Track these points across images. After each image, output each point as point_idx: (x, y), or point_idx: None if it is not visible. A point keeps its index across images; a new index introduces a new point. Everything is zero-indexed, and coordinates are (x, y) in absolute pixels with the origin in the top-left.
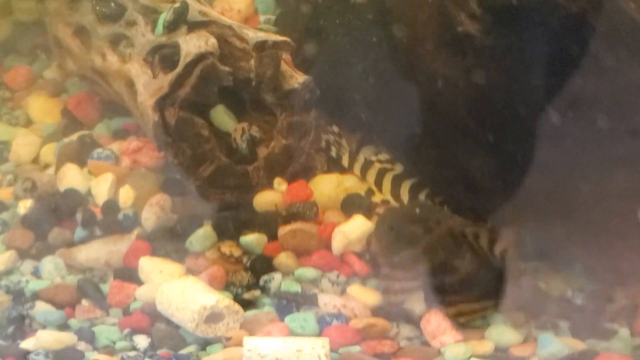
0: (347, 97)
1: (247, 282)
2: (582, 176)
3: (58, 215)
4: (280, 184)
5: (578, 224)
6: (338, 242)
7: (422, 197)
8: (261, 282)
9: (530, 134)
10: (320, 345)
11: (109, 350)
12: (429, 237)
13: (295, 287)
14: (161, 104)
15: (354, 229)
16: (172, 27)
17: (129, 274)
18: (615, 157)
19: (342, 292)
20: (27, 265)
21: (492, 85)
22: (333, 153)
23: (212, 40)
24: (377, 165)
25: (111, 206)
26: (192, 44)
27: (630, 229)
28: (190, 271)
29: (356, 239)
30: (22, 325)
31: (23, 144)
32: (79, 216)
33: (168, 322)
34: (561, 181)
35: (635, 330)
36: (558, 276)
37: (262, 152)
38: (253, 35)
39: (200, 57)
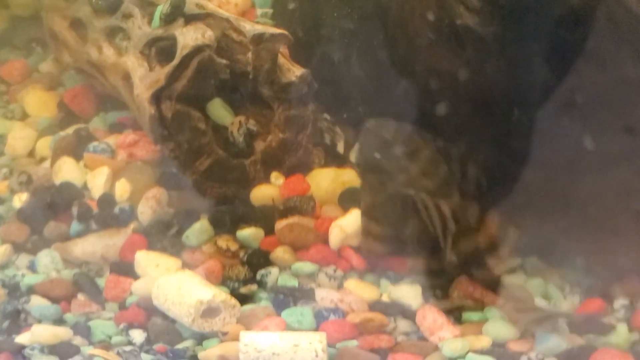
0: (345, 90)
1: (244, 276)
2: (578, 171)
3: (54, 208)
4: (277, 178)
5: (575, 219)
6: (335, 236)
7: None
8: (258, 277)
9: (527, 127)
10: (317, 340)
11: (105, 344)
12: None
13: (292, 282)
14: (158, 97)
15: (351, 223)
16: (168, 19)
17: (125, 268)
18: (614, 152)
19: (340, 287)
20: (23, 259)
21: (489, 78)
22: (327, 140)
23: (209, 33)
24: None
25: (107, 200)
26: (189, 37)
27: (627, 224)
28: (187, 265)
29: (353, 233)
30: (18, 319)
31: (19, 137)
32: (74, 210)
33: (164, 316)
34: (557, 176)
35: (633, 326)
36: (556, 271)
37: (259, 145)
38: (250, 27)
39: (197, 50)
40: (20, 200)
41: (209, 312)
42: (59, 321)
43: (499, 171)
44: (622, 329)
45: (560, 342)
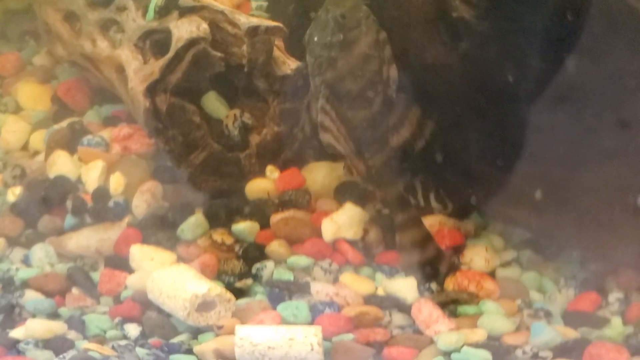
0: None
1: (239, 270)
2: (574, 165)
3: (48, 202)
4: (272, 171)
5: (570, 213)
6: (326, 227)
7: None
8: (253, 270)
9: (523, 120)
10: (312, 334)
11: (100, 339)
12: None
13: (288, 275)
14: (152, 90)
15: (342, 214)
16: (163, 12)
17: (119, 262)
18: (609, 146)
19: (335, 280)
20: (17, 253)
21: (485, 71)
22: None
23: (204, 26)
24: None
25: (102, 193)
26: (183, 29)
27: (623, 218)
28: (182, 259)
29: (345, 224)
30: (12, 314)
31: (12, 130)
32: (69, 203)
33: (159, 310)
34: (553, 169)
35: (627, 319)
36: (551, 264)
37: (254, 139)
38: (245, 20)
39: (192, 43)
40: (14, 194)
41: (204, 306)
42: (54, 315)
43: (493, 164)
44: (616, 322)
45: (554, 335)
